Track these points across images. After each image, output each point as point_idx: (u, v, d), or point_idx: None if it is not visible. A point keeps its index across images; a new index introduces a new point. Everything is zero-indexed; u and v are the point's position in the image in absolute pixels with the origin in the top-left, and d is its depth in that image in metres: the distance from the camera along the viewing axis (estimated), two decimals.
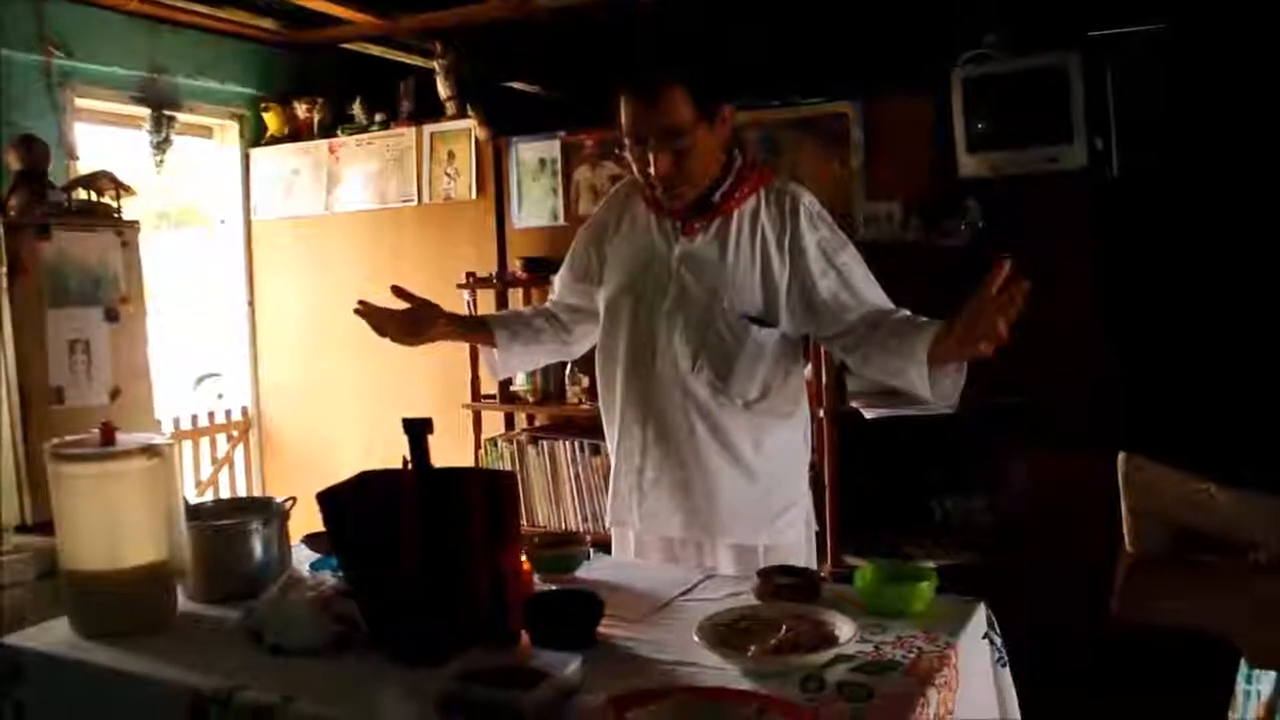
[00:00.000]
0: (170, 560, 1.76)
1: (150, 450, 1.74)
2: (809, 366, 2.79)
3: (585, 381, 4.06)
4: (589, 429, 4.03)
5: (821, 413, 3.41)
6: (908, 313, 2.04)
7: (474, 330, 2.36)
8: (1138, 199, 3.52)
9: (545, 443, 4.11)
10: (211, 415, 5.10)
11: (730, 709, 1.32)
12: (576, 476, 4.03)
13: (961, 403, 3.37)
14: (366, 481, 1.60)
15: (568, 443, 4.05)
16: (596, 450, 3.94)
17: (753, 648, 1.49)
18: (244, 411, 5.22)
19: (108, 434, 1.74)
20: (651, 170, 2.05)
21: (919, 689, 1.41)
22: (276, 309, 5.14)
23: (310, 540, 2.16)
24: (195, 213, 5.49)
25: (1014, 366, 3.31)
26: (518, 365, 2.46)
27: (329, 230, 4.93)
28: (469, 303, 4.22)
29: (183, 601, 1.84)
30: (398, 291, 2.20)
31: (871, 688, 1.41)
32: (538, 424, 4.45)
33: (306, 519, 2.07)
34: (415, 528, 1.53)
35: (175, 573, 1.78)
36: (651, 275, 2.16)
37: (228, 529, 1.89)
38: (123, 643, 1.67)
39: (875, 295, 2.09)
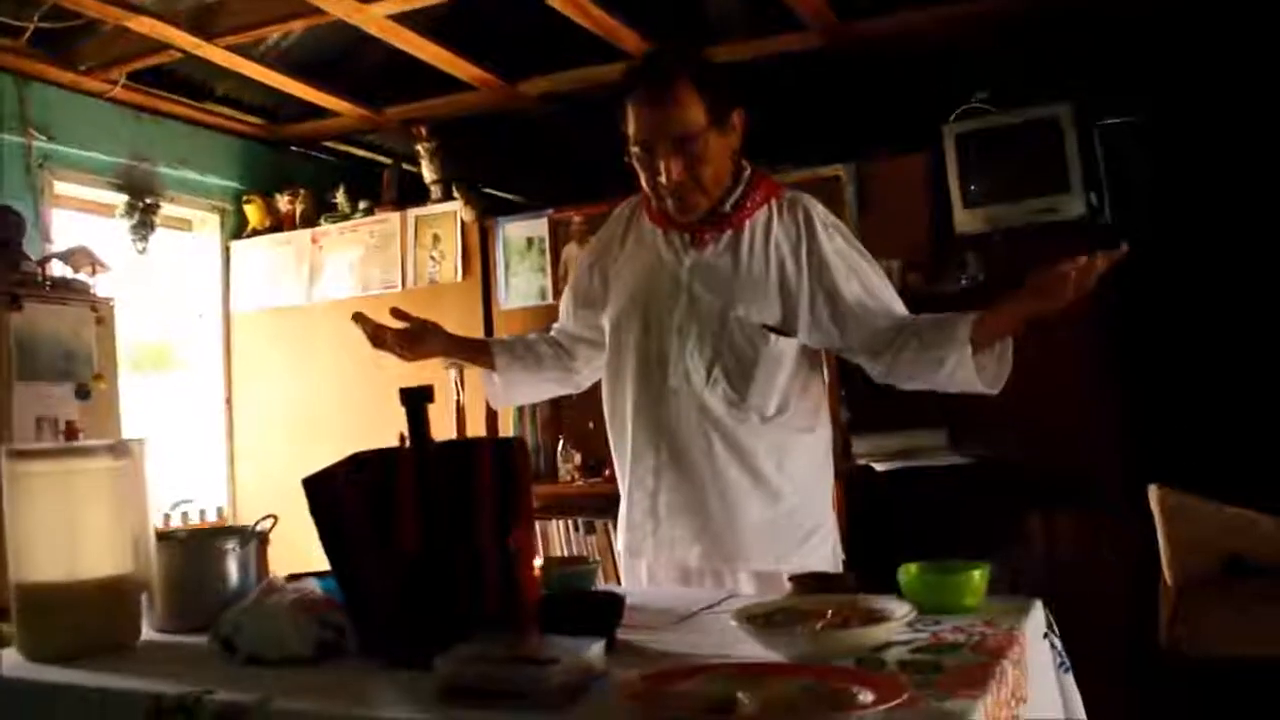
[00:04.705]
0: (135, 574, 1.57)
1: (118, 449, 1.57)
2: None
3: (578, 458, 3.90)
4: (582, 508, 3.86)
5: None
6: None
7: (475, 352, 2.23)
8: (1140, 248, 3.46)
9: (537, 523, 3.91)
10: (185, 516, 4.85)
11: (790, 683, 1.13)
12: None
13: (966, 458, 3.25)
14: (360, 462, 1.44)
15: (560, 523, 3.87)
16: (591, 529, 3.77)
17: (799, 628, 1.32)
18: (219, 514, 4.98)
19: (71, 432, 1.57)
20: (663, 179, 1.95)
21: (993, 661, 1.23)
22: (256, 406, 4.96)
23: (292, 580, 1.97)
24: (166, 354, 5.15)
25: (1017, 422, 3.20)
26: (521, 394, 2.32)
27: (311, 320, 4.79)
28: (455, 380, 4.07)
29: (146, 633, 1.65)
30: (396, 313, 2.10)
31: (939, 663, 1.23)
32: None
33: (284, 563, 1.89)
34: (414, 509, 1.37)
35: (140, 587, 1.58)
36: (659, 289, 2.05)
37: (201, 546, 1.71)
38: (76, 664, 1.47)
39: (896, 302, 2.02)
